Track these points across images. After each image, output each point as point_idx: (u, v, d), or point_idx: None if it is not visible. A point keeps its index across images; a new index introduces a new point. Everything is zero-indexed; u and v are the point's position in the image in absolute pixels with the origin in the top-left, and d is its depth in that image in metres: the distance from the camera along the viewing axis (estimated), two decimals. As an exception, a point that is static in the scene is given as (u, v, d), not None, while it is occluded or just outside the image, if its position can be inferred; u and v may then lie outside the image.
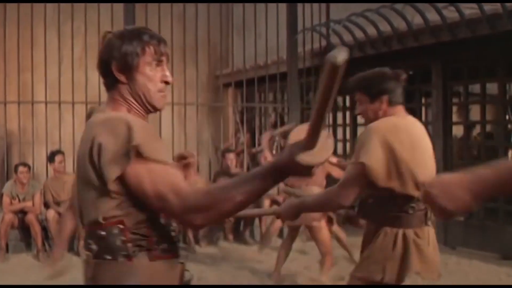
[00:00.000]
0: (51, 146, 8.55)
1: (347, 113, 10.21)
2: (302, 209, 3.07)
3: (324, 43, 9.79)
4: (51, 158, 8.31)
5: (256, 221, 8.64)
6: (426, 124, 8.78)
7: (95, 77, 8.22)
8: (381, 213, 2.97)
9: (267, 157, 7.01)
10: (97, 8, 8.61)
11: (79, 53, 8.86)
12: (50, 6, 8.91)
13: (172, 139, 8.73)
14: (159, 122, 8.38)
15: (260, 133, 11.70)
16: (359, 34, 8.96)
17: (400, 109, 3.08)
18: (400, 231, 2.93)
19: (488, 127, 10.06)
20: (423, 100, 9.53)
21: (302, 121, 10.17)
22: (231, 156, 8.74)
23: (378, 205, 2.98)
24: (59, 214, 8.03)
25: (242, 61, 9.64)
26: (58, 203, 8.20)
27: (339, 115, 10.41)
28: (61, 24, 8.84)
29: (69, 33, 8.72)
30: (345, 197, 2.88)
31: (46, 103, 8.61)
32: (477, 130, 9.90)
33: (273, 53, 9.75)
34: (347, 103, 10.23)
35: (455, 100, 9.15)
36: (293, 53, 9.64)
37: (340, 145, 10.48)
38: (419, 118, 9.31)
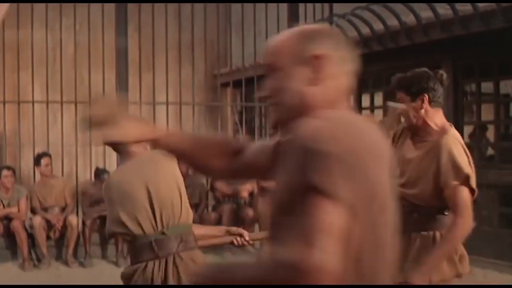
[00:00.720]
0: (39, 148, 8.08)
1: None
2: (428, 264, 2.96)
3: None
4: (37, 160, 7.84)
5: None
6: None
7: (85, 76, 7.80)
8: (424, 222, 3.06)
9: None
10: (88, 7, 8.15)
11: (70, 53, 8.36)
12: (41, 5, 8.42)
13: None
14: (153, 123, 7.88)
15: (261, 135, 11.28)
16: (364, 30, 8.47)
17: (441, 113, 3.17)
18: (437, 233, 3.03)
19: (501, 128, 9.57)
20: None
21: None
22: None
23: (425, 216, 3.06)
24: (47, 220, 7.56)
25: (241, 59, 9.18)
26: (45, 209, 7.73)
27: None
28: (51, 23, 8.40)
29: (58, 32, 8.26)
30: (470, 224, 2.96)
31: (33, 102, 8.15)
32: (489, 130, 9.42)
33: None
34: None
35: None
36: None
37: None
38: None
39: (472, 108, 9.02)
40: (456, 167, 2.94)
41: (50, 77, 8.23)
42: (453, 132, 3.09)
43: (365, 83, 9.57)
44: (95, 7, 8.22)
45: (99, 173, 7.83)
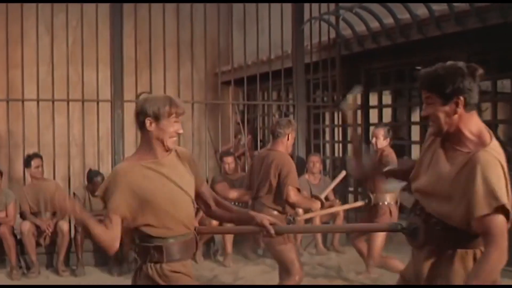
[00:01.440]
0: (30, 149, 7.64)
1: (358, 112, 9.27)
2: None
3: (333, 34, 8.86)
4: (27, 162, 7.40)
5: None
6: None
7: (78, 74, 7.26)
8: (456, 238, 2.64)
9: None
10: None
11: (65, 50, 7.93)
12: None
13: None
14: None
15: (263, 135, 10.85)
16: (373, 23, 8.02)
17: (477, 118, 2.65)
18: (478, 251, 2.63)
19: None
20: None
21: (309, 120, 9.27)
22: (229, 160, 7.82)
23: (452, 231, 2.63)
24: (36, 226, 7.12)
25: (243, 56, 8.71)
26: (35, 214, 7.28)
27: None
28: (45, 19, 7.97)
29: (50, 31, 7.85)
30: (504, 256, 2.51)
31: (23, 101, 7.70)
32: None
33: (277, 47, 8.84)
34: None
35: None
36: (299, 46, 8.73)
37: (350, 147, 9.56)
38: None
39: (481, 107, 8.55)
40: (490, 194, 2.46)
41: (44, 76, 7.80)
42: (493, 145, 2.56)
43: (372, 81, 9.11)
44: (91, 3, 7.80)
45: (92, 175, 7.38)
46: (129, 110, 8.01)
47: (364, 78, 9.08)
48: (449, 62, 2.64)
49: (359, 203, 6.32)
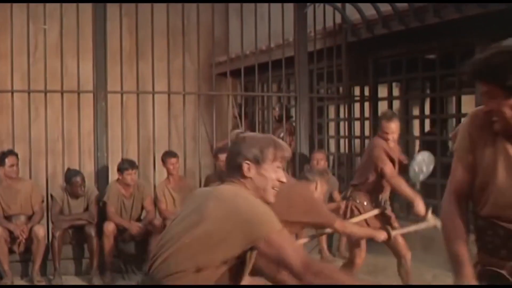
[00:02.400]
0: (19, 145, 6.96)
1: (366, 105, 8.55)
2: None
3: (339, 19, 8.11)
4: (0, 160, 6.65)
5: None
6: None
7: (69, 65, 6.53)
8: None
9: None
10: None
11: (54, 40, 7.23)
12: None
13: (150, 135, 7.18)
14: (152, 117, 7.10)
15: (263, 129, 10.16)
16: (384, 7, 7.26)
17: None
18: None
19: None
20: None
21: (312, 113, 8.52)
22: (224, 157, 7.03)
23: None
24: (9, 231, 6.40)
25: (240, 46, 7.97)
26: (8, 218, 6.55)
27: (356, 107, 8.74)
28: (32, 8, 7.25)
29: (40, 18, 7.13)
30: None
31: (12, 92, 7.02)
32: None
33: (277, 35, 8.09)
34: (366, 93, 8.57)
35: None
36: (301, 33, 7.99)
37: (357, 142, 8.85)
38: (458, 112, 7.75)
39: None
40: None
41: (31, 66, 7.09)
42: None
43: (382, 70, 8.37)
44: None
45: (71, 175, 6.65)
46: (114, 102, 7.50)
47: (372, 67, 8.33)
48: (504, 45, 2.18)
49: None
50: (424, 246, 6.65)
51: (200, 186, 7.30)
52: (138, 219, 6.86)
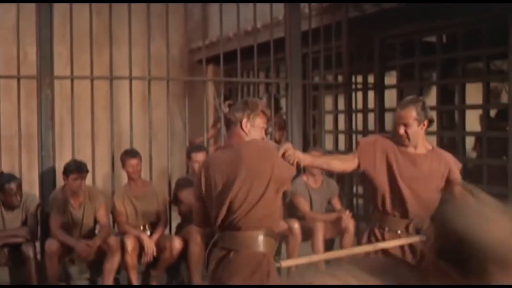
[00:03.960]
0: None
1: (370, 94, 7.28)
2: None
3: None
4: None
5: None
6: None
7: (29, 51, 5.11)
8: None
9: None
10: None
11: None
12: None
13: (108, 133, 5.90)
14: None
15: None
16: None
17: None
18: None
19: None
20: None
21: (305, 104, 7.22)
22: (199, 157, 5.70)
23: None
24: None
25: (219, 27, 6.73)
26: None
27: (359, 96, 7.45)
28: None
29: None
30: None
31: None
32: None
33: (264, 14, 6.82)
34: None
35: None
36: (293, 9, 6.70)
37: (359, 138, 7.55)
38: (485, 100, 6.46)
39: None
40: None
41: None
42: None
43: (390, 53, 7.08)
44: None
45: (3, 181, 5.29)
46: (81, 91, 6.25)
47: (379, 49, 7.04)
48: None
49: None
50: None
51: (170, 192, 5.99)
52: (91, 235, 5.51)
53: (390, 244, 3.68)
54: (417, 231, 3.77)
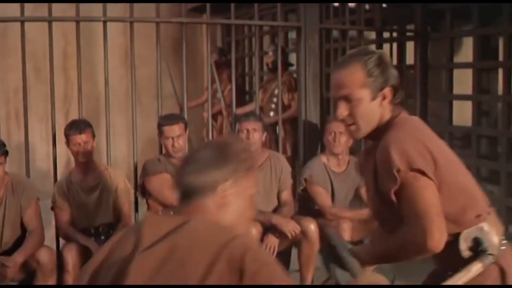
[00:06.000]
0: None
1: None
2: None
3: None
4: None
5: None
6: None
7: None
8: None
9: None
10: None
11: None
12: None
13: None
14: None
15: (250, 83, 7.65)
16: None
17: None
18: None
19: None
20: None
21: (322, 55, 5.47)
22: (174, 131, 4.03)
23: None
24: None
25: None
26: None
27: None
28: None
29: None
30: None
31: None
32: None
33: None
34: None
35: None
36: None
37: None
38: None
39: None
40: None
41: None
42: None
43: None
44: None
45: None
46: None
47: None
48: None
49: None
50: None
51: (136, 175, 4.35)
52: (20, 241, 3.82)
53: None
54: None
